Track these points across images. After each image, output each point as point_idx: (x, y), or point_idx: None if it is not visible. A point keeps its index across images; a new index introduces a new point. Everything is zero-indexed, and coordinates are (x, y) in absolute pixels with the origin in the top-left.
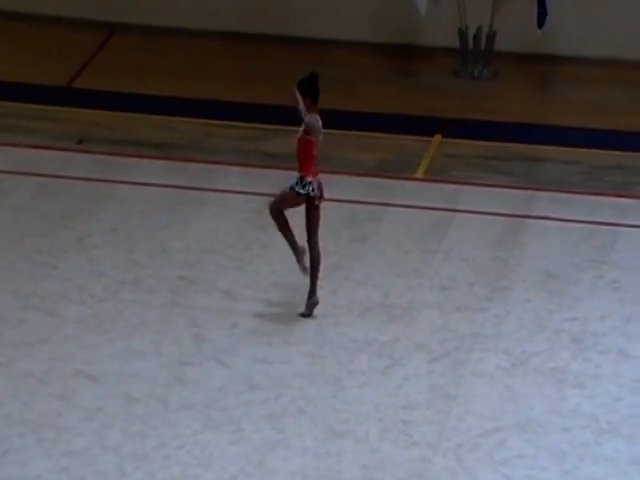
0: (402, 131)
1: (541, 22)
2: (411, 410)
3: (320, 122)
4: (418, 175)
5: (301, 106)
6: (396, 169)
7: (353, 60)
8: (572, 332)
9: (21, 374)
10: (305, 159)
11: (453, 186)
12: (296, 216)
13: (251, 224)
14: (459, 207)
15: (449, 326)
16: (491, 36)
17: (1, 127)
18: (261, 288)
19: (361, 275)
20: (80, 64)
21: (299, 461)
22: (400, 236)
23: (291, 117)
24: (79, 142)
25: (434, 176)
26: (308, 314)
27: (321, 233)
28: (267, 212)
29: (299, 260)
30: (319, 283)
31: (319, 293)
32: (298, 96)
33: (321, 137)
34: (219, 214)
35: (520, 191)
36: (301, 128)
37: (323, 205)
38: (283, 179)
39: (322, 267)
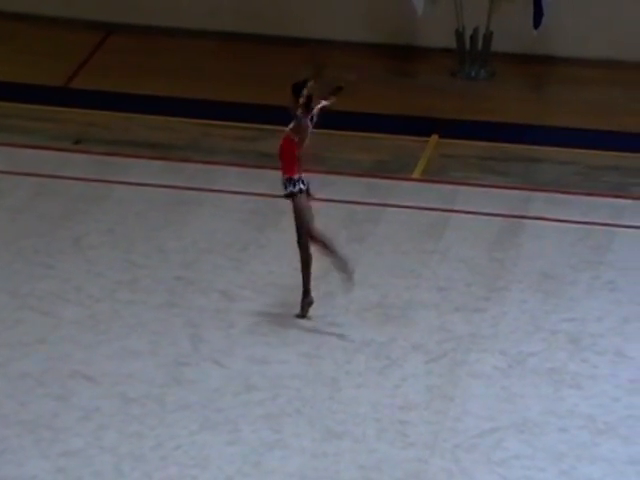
0: (399, 131)
1: (537, 23)
2: (408, 411)
3: (310, 127)
4: (415, 175)
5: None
6: (393, 169)
7: (350, 61)
8: (569, 333)
9: (18, 374)
10: (290, 159)
11: (450, 186)
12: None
13: (248, 224)
14: (456, 207)
15: (446, 327)
16: (488, 37)
17: None
18: (258, 288)
19: (358, 276)
20: (77, 64)
21: (296, 461)
22: (397, 236)
23: (289, 118)
24: (76, 142)
25: (431, 176)
26: (303, 315)
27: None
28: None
29: (346, 274)
30: (316, 284)
31: (316, 294)
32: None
33: (306, 141)
34: (216, 214)
35: (517, 191)
36: (290, 127)
37: (320, 205)
38: (280, 179)
39: (319, 268)
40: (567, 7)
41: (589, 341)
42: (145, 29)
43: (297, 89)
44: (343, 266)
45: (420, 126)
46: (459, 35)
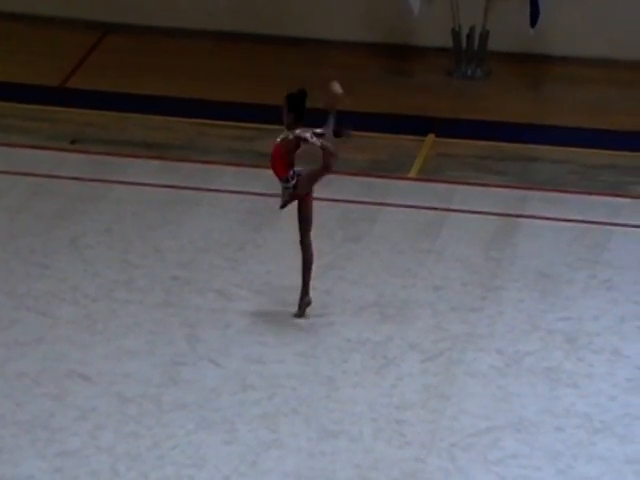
0: (396, 131)
1: (534, 22)
2: (405, 410)
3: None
4: (412, 175)
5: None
6: (390, 169)
7: (347, 60)
8: (565, 332)
9: (14, 374)
10: (281, 163)
11: (446, 186)
12: (291, 215)
13: (245, 224)
14: (453, 207)
15: (442, 326)
16: (484, 36)
17: None
18: (254, 288)
19: (355, 275)
20: (74, 64)
21: (293, 461)
22: (394, 236)
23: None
24: (73, 142)
25: (428, 176)
26: (300, 314)
27: (314, 233)
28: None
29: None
30: (312, 283)
31: (313, 293)
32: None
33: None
34: (213, 214)
35: (513, 190)
36: (279, 139)
37: (317, 204)
38: (276, 180)
39: (315, 267)
40: (563, 6)
41: (586, 340)
42: (142, 29)
43: (292, 102)
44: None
45: (416, 125)
46: (455, 34)
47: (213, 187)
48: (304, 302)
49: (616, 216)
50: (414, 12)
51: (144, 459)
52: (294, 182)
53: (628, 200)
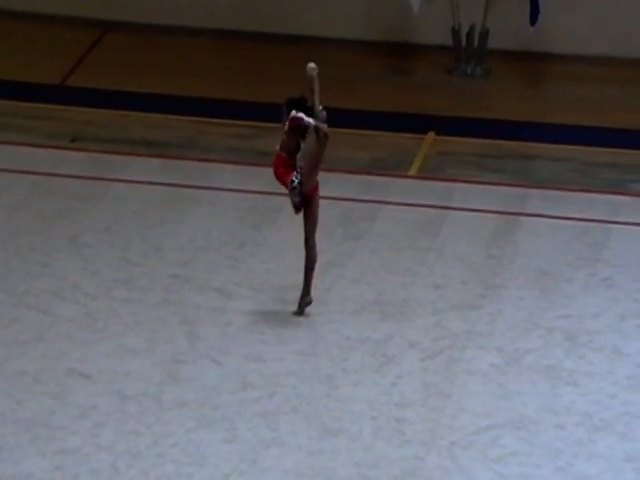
0: (396, 129)
1: (534, 20)
2: (405, 408)
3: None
4: (411, 173)
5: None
6: (390, 167)
7: (347, 58)
8: (565, 330)
9: (14, 373)
10: (283, 172)
11: (446, 184)
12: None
13: (245, 222)
14: (452, 205)
15: (442, 324)
16: (484, 34)
17: None
18: (254, 286)
19: (355, 273)
20: (73, 62)
21: (293, 459)
22: (394, 234)
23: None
24: (73, 140)
25: (427, 174)
26: (300, 313)
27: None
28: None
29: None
30: (313, 281)
31: (313, 291)
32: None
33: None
34: (213, 212)
35: (513, 189)
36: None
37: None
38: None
39: (316, 265)
40: (563, 4)
41: (586, 338)
42: (142, 27)
43: (292, 106)
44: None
45: (416, 123)
46: (455, 32)
47: (213, 185)
48: (305, 301)
49: (616, 214)
50: (414, 10)
51: (144, 457)
52: (300, 178)
53: (628, 198)
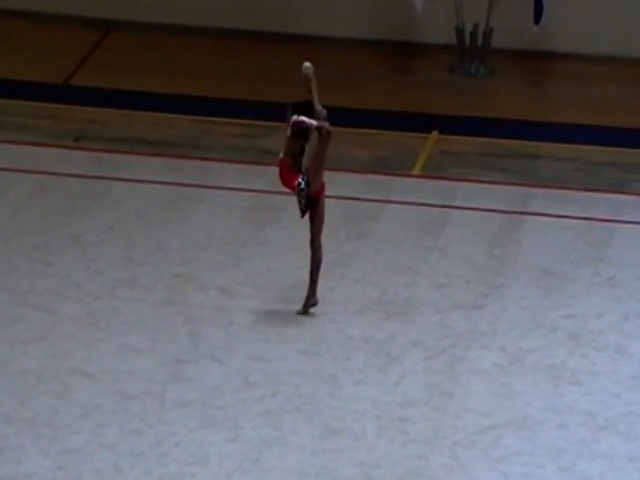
0: (399, 128)
1: (537, 19)
2: (408, 407)
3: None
4: (415, 172)
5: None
6: (393, 166)
7: (350, 57)
8: (569, 329)
9: (18, 372)
10: (289, 176)
11: (450, 183)
12: (294, 213)
13: (247, 221)
14: (456, 204)
15: (445, 323)
16: (488, 33)
17: None
18: (257, 285)
19: (358, 273)
20: (77, 62)
21: (296, 458)
22: (397, 233)
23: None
24: (76, 139)
25: (431, 173)
26: (304, 312)
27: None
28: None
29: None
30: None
31: (317, 291)
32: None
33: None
34: (215, 211)
35: (516, 188)
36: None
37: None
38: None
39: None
40: (567, 3)
41: (589, 338)
42: (144, 26)
43: (297, 111)
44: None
45: (419, 122)
46: (459, 31)
47: (216, 184)
48: (310, 302)
49: (619, 213)
50: (417, 9)
51: (147, 457)
52: (306, 179)
53: (631, 197)
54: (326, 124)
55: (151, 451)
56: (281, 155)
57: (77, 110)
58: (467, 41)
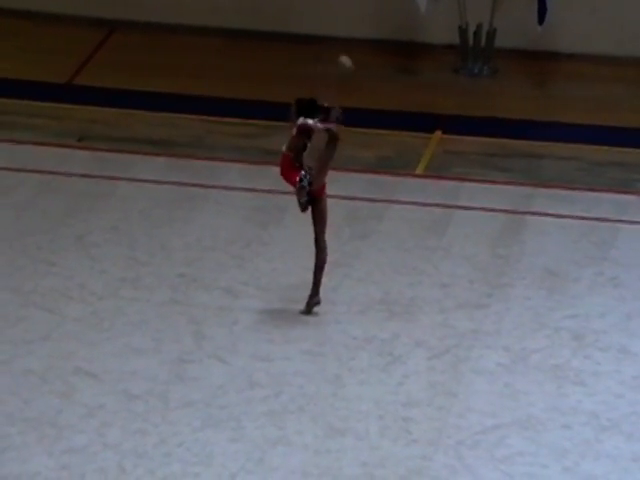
0: (402, 128)
1: (541, 19)
2: (411, 407)
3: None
4: (418, 172)
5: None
6: (396, 166)
7: (353, 57)
8: (572, 329)
9: (21, 372)
10: (291, 172)
11: (453, 183)
12: (297, 213)
13: (251, 221)
14: (459, 204)
15: (449, 323)
16: (491, 33)
17: (1, 124)
18: (261, 285)
19: (361, 272)
20: (80, 61)
21: (299, 458)
22: (400, 233)
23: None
24: (79, 139)
25: (434, 173)
26: (308, 312)
27: None
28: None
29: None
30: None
31: (320, 291)
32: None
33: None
34: (219, 211)
35: (520, 187)
36: (286, 146)
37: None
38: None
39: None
40: (570, 3)
41: (592, 338)
42: (148, 26)
43: (301, 108)
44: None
45: (423, 122)
46: (462, 31)
47: (219, 184)
48: (313, 301)
49: (623, 213)
50: (421, 9)
51: (151, 456)
52: (309, 178)
53: (635, 197)
54: (333, 126)
55: (155, 451)
56: (284, 149)
57: (81, 110)
58: (470, 41)
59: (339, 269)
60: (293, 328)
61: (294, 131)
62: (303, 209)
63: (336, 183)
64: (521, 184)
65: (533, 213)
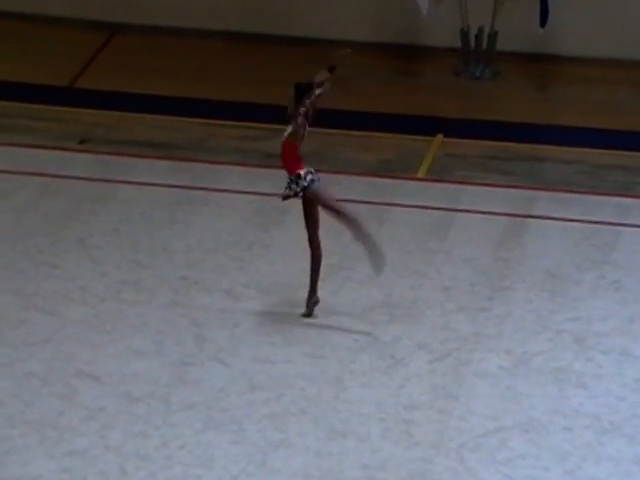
0: (404, 131)
1: (543, 21)
2: (413, 410)
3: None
4: (420, 175)
5: (290, 110)
6: (398, 169)
7: (354, 60)
8: (574, 332)
9: (23, 374)
10: (294, 161)
11: (455, 186)
12: (298, 215)
13: (252, 224)
14: (461, 207)
15: (451, 326)
16: (493, 36)
17: (2, 127)
18: (262, 288)
19: (363, 275)
20: (82, 64)
21: (301, 461)
22: (402, 236)
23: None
24: (81, 142)
25: (436, 176)
26: (309, 314)
27: (323, 233)
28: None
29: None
30: (321, 283)
31: (321, 293)
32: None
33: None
34: (221, 214)
35: (522, 191)
36: (287, 132)
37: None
38: (284, 179)
39: (323, 267)
40: (573, 6)
41: (594, 340)
42: (150, 29)
43: (300, 92)
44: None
45: (424, 125)
46: (464, 34)
47: (221, 187)
48: (312, 301)
49: (625, 216)
50: (423, 12)
51: (152, 459)
52: (309, 180)
53: (637, 200)
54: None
55: (156, 453)
56: (285, 135)
57: (82, 113)
58: (472, 44)
59: (340, 272)
60: (294, 330)
61: (300, 119)
62: (284, 198)
63: (337, 186)
64: (523, 187)
65: (535, 216)
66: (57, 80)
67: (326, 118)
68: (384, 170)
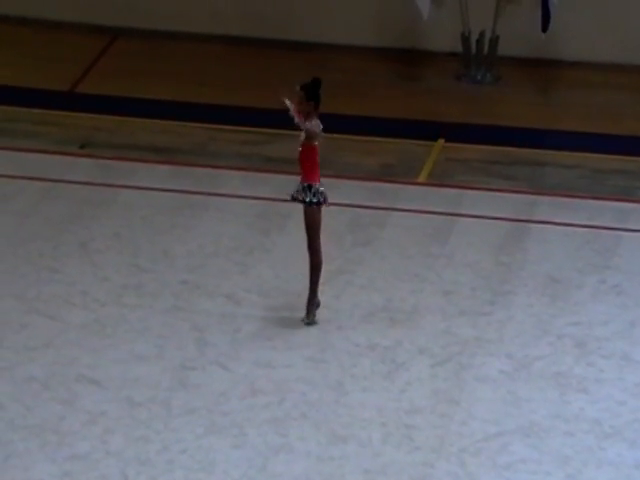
0: (405, 135)
1: (545, 26)
2: (414, 414)
3: (321, 126)
4: (421, 179)
5: (293, 113)
6: (399, 173)
7: (355, 64)
8: (575, 337)
9: (24, 378)
10: (310, 166)
11: (456, 190)
12: (300, 220)
13: (254, 229)
14: (462, 211)
15: (452, 330)
16: (494, 40)
17: (4, 131)
18: (264, 292)
19: (364, 280)
20: (83, 69)
21: (302, 465)
22: (403, 240)
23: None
24: (82, 147)
25: (437, 180)
26: (309, 319)
27: (324, 238)
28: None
29: (309, 310)
30: (322, 288)
31: (322, 297)
32: (289, 103)
33: (321, 141)
34: (222, 219)
35: (523, 195)
36: (302, 136)
37: (326, 208)
38: (285, 183)
39: (324, 272)
40: (574, 10)
41: (595, 345)
42: (150, 33)
43: (309, 90)
44: (311, 298)
45: (426, 130)
46: (465, 39)
47: (222, 192)
48: (313, 305)
49: (626, 221)
50: (424, 16)
51: (153, 463)
52: (311, 200)
53: (638, 205)
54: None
55: (157, 458)
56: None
57: (83, 117)
58: (473, 48)
59: (341, 276)
60: (295, 335)
61: (314, 122)
62: (292, 199)
63: (338, 190)
64: (524, 192)
65: (536, 221)
66: (58, 85)
67: (328, 123)
68: (385, 174)
